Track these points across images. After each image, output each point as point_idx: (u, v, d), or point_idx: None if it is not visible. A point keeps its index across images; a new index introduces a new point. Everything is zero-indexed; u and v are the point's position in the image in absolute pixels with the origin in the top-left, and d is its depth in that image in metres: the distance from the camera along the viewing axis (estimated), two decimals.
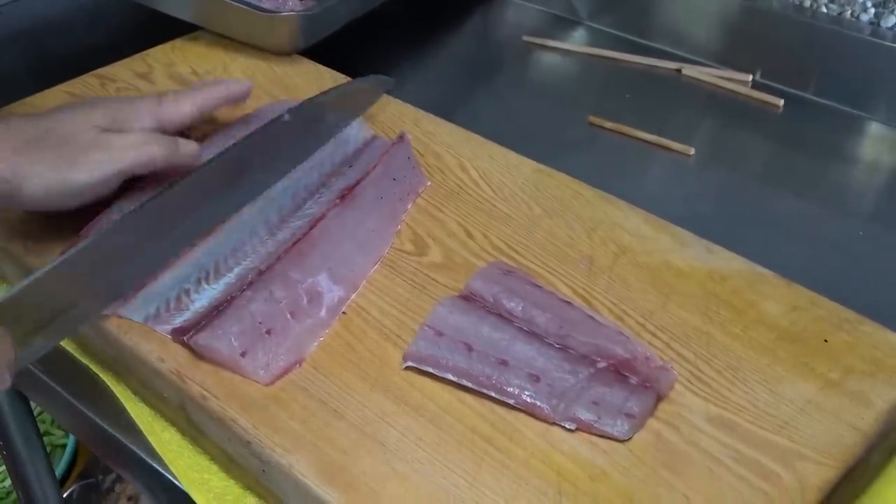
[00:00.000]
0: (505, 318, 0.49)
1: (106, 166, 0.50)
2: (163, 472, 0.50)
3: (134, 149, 0.51)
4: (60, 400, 0.57)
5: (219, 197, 0.53)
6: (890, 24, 0.80)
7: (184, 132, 0.57)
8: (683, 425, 0.44)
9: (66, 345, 0.54)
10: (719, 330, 0.50)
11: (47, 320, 0.43)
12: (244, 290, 0.49)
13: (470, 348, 0.46)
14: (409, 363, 0.46)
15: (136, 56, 0.73)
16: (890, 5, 0.79)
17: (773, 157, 0.77)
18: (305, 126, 0.59)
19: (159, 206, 0.50)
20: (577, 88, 0.87)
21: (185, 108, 0.56)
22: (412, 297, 0.51)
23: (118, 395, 0.51)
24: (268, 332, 0.47)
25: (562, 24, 0.96)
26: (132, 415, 0.50)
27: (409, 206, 0.58)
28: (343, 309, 0.50)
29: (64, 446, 1.11)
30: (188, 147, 0.54)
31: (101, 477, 1.12)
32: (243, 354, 0.46)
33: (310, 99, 0.60)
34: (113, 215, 0.53)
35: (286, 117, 0.57)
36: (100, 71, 0.70)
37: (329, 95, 0.61)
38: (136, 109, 0.54)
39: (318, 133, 0.60)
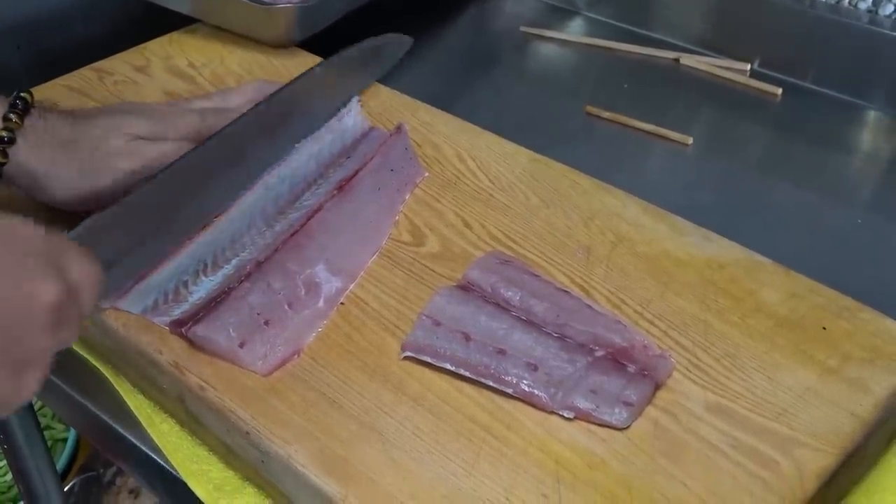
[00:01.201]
0: (502, 307, 0.49)
1: (131, 175, 0.50)
2: (163, 463, 0.50)
3: (165, 159, 0.51)
4: (60, 393, 0.57)
5: (260, 144, 0.55)
6: (888, 12, 0.79)
7: None
8: (682, 413, 0.44)
9: None
10: (717, 318, 0.50)
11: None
12: (242, 282, 0.49)
13: (468, 338, 0.46)
14: (408, 353, 0.46)
15: (134, 49, 0.73)
16: None
17: (771, 146, 0.77)
18: (329, 85, 0.62)
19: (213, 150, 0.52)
20: (575, 78, 0.87)
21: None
22: (410, 288, 0.51)
23: (117, 387, 0.52)
24: (266, 323, 0.47)
25: (559, 14, 0.96)
26: (131, 407, 0.51)
27: (407, 197, 0.58)
28: (341, 300, 0.50)
29: (65, 440, 1.11)
30: None
31: (102, 470, 1.12)
32: (241, 345, 0.46)
33: (338, 54, 0.63)
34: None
35: (317, 70, 0.60)
36: (97, 64, 0.70)
37: (352, 51, 0.64)
38: (177, 121, 0.54)
39: (334, 97, 0.63)
